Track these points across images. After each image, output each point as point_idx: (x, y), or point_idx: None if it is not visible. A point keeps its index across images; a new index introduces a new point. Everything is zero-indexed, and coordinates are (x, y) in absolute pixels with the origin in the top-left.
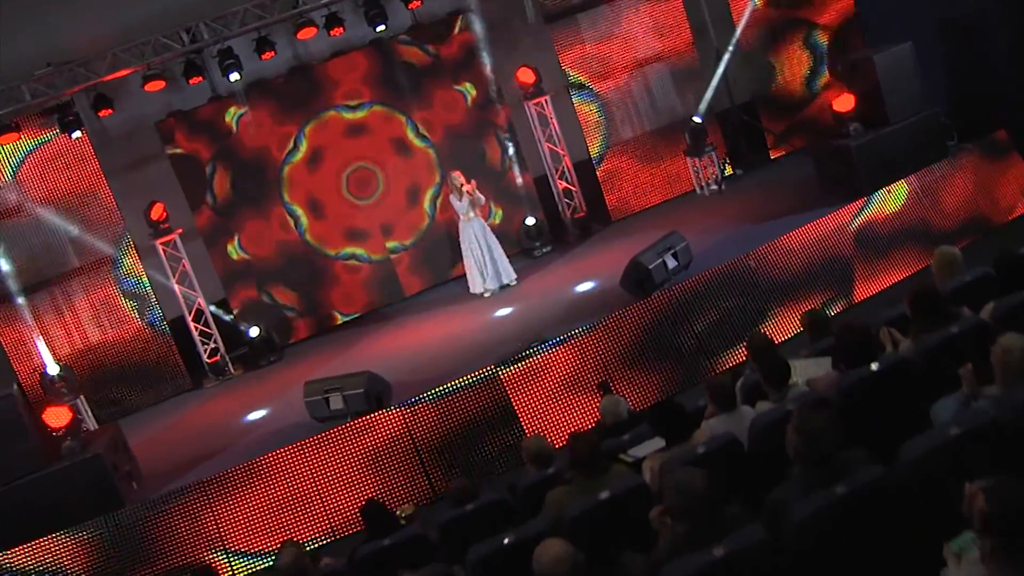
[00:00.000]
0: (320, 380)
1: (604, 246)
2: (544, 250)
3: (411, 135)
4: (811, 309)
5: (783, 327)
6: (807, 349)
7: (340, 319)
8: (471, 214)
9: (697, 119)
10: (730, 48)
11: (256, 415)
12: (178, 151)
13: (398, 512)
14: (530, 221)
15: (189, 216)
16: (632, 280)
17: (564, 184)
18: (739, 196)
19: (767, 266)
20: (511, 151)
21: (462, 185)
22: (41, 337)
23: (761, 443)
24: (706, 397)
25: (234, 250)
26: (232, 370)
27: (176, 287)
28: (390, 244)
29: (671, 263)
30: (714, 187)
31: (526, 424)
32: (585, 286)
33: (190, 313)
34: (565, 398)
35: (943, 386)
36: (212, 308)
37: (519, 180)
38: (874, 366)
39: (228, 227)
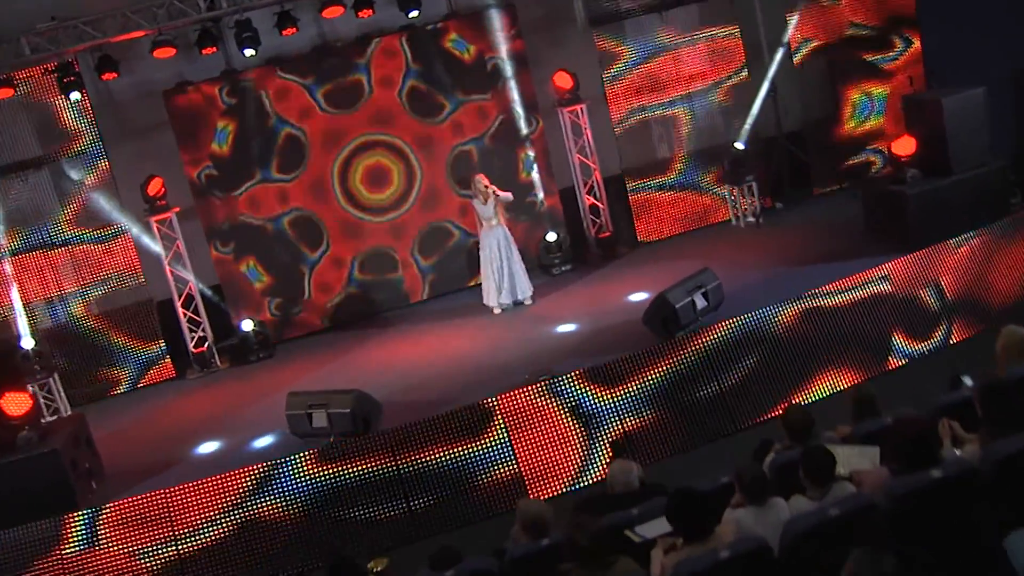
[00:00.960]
0: (305, 393)
1: (628, 271)
2: (563, 268)
3: (438, 135)
4: (859, 384)
5: (816, 388)
6: (849, 427)
7: (336, 321)
8: (494, 221)
9: (739, 145)
10: (772, 68)
11: (234, 419)
12: (183, 124)
13: (370, 566)
14: (551, 237)
15: (188, 194)
16: (656, 318)
17: (591, 200)
18: (777, 232)
19: (802, 318)
20: (534, 172)
21: (486, 187)
22: (21, 306)
23: (796, 552)
24: (735, 483)
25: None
26: (219, 362)
27: (167, 268)
28: (402, 247)
29: (700, 303)
30: (751, 219)
31: (525, 469)
32: (603, 315)
33: (180, 297)
34: (569, 443)
35: (1021, 508)
36: (206, 290)
37: (540, 199)
38: (936, 472)
39: (228, 208)
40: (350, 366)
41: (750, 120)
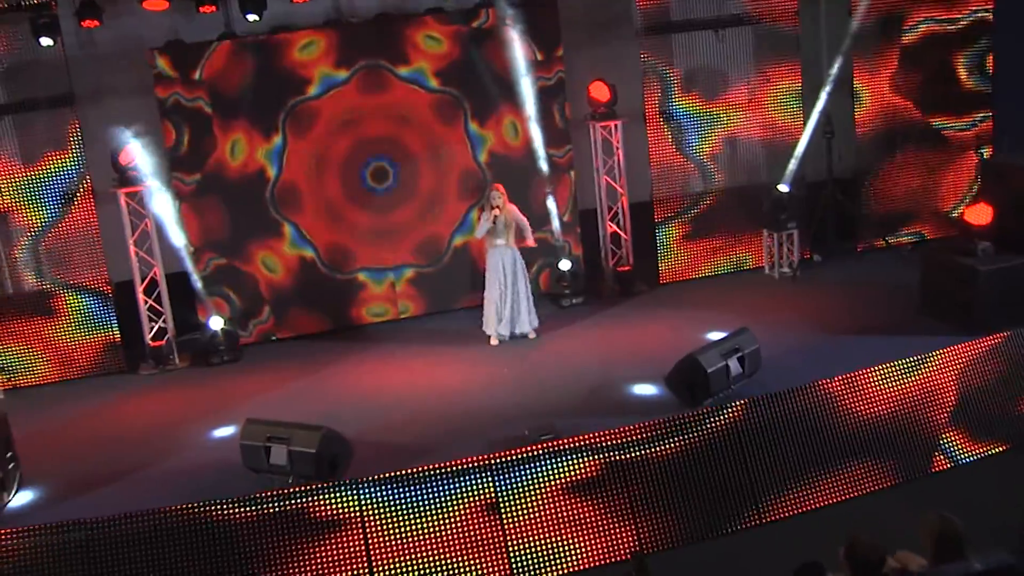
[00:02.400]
0: (265, 423)
1: (647, 314)
2: (574, 300)
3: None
4: (943, 516)
5: (851, 484)
6: (920, 559)
7: (315, 327)
8: (503, 240)
9: (783, 188)
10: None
11: (186, 435)
12: (169, 90)
13: None
14: (564, 266)
15: (167, 169)
16: (683, 381)
17: (613, 228)
18: (815, 289)
19: (843, 400)
20: (551, 204)
21: (501, 203)
22: None
23: None
24: None
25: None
26: (177, 360)
27: (132, 249)
28: (394, 256)
29: (735, 369)
30: (786, 270)
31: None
32: (616, 364)
33: (142, 283)
34: (567, 529)
35: None
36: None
37: (557, 234)
38: None
39: (209, 193)
40: (323, 385)
41: (795, 161)
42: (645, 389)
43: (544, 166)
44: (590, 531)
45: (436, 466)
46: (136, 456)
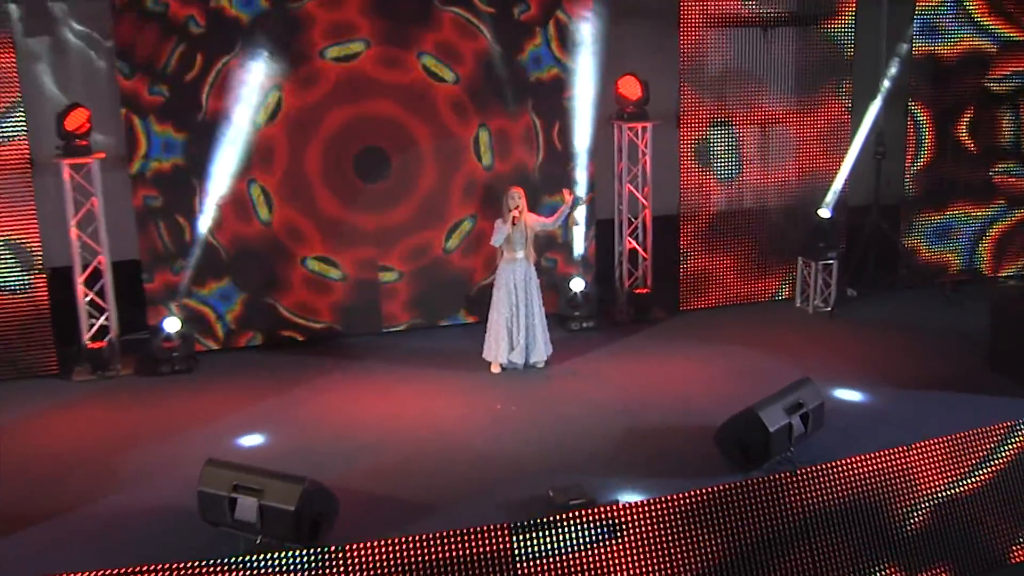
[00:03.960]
0: (232, 466)
1: (668, 345)
2: (585, 324)
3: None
4: None
5: None
6: None
7: (288, 335)
8: (520, 253)
9: (824, 213)
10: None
11: (127, 465)
12: (129, 56)
13: None
14: (577, 285)
15: (120, 139)
16: (736, 440)
17: (632, 244)
18: (858, 330)
19: (908, 472)
20: (579, 213)
21: (519, 208)
22: None
23: None
24: None
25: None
26: (119, 367)
27: (73, 231)
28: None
29: (797, 428)
30: (821, 305)
31: None
32: (644, 405)
33: (83, 272)
34: None
35: None
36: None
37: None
38: None
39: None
40: (294, 411)
41: (839, 183)
42: (680, 440)
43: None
44: None
45: (443, 534)
46: (63, 490)
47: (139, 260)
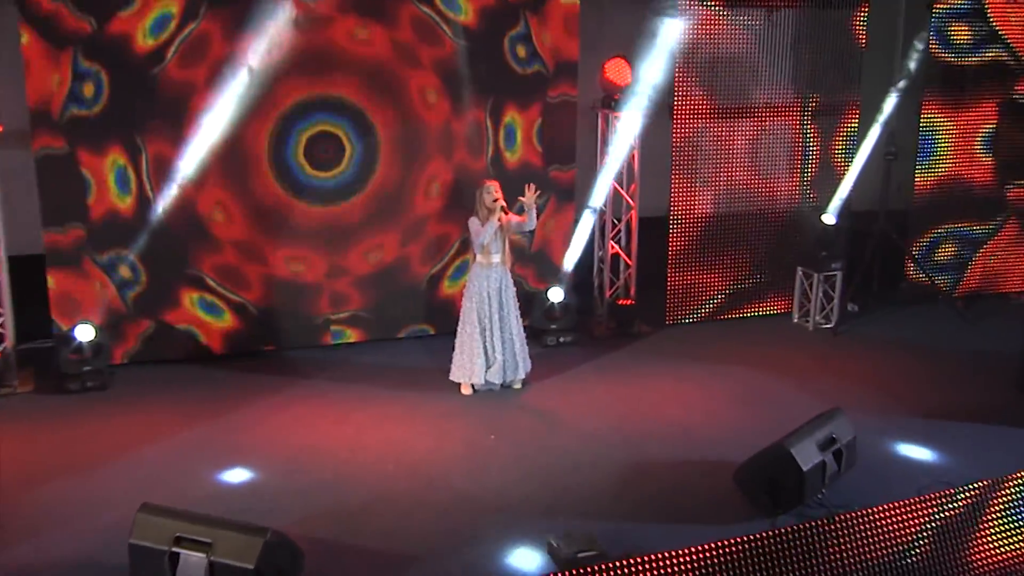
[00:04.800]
0: (172, 513)
1: (658, 364)
2: (562, 339)
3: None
4: None
5: None
6: None
7: (219, 348)
8: (496, 257)
9: (829, 219)
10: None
11: (28, 508)
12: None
13: None
14: (556, 295)
15: (24, 116)
16: (765, 481)
17: (616, 248)
18: (861, 349)
19: (952, 532)
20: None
21: (495, 201)
22: None
23: None
24: None
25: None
26: (15, 383)
27: None
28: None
29: (831, 467)
30: (821, 322)
31: None
32: (640, 433)
33: None
34: None
35: None
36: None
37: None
38: None
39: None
40: (236, 438)
41: (847, 186)
42: (690, 477)
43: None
44: None
45: None
46: None
47: (43, 255)
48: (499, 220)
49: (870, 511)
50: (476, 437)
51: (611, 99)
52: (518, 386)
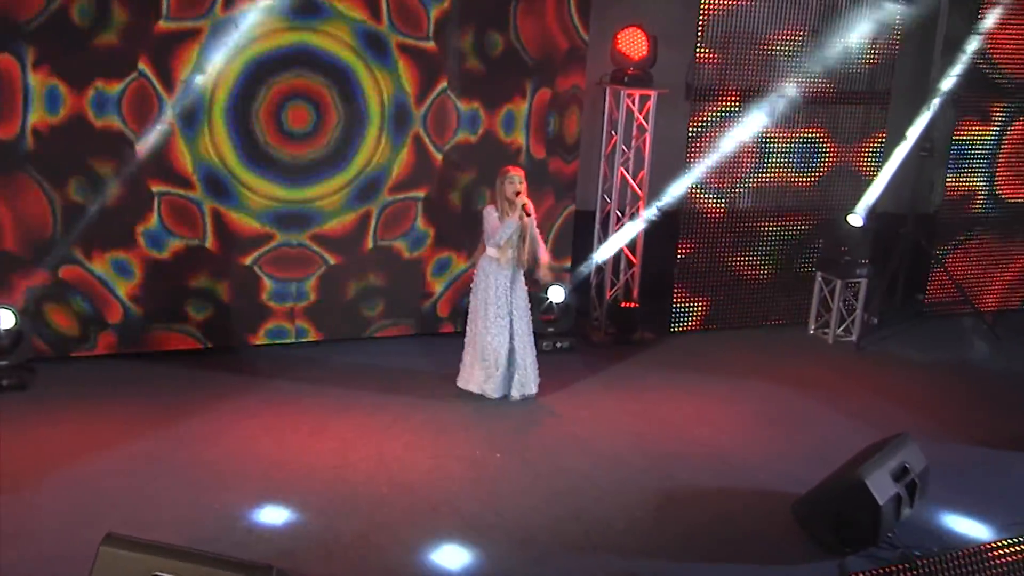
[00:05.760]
0: (146, 547)
1: (665, 376)
2: (559, 345)
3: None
4: None
5: None
6: None
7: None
8: (510, 253)
9: (856, 220)
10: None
11: None
12: None
13: None
14: (556, 295)
15: None
16: (833, 516)
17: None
18: (890, 365)
19: None
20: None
21: (518, 195)
22: None
23: None
24: None
25: None
26: None
27: None
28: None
29: (905, 500)
30: (842, 334)
31: None
32: (674, 465)
33: None
34: None
35: None
36: None
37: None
38: None
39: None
40: (193, 450)
41: (879, 187)
42: (736, 509)
43: None
44: None
45: None
46: None
47: None
48: (522, 215)
49: (953, 555)
50: (478, 454)
51: (623, 74)
52: (517, 396)
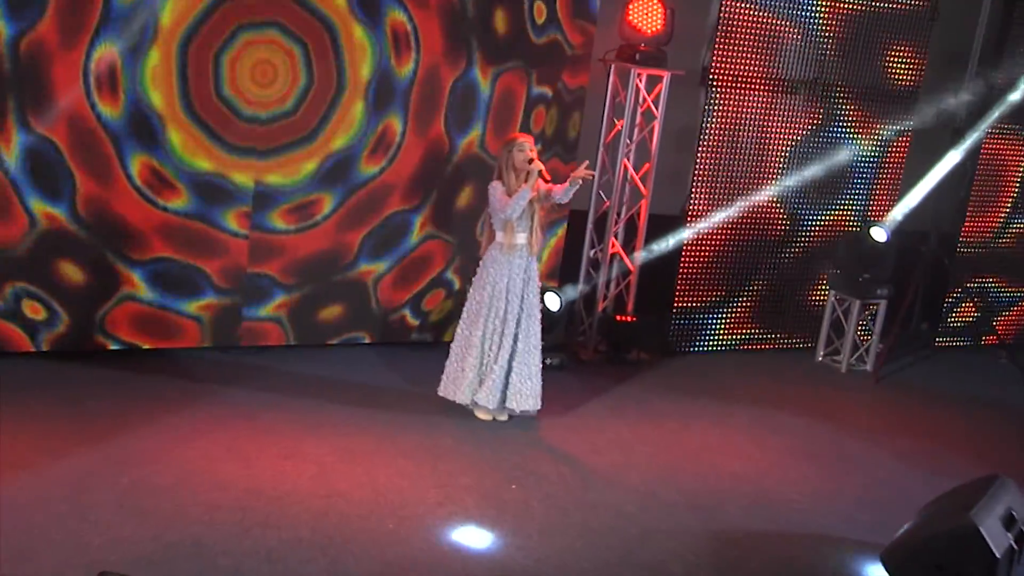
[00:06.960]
0: None
1: (676, 401)
2: (552, 361)
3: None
4: None
5: None
6: None
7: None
8: (521, 238)
9: (879, 235)
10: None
11: None
12: None
13: None
14: (552, 303)
15: None
16: (932, 569)
17: (617, 248)
18: (914, 398)
19: None
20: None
21: (531, 162)
22: None
23: None
24: None
25: None
26: None
27: None
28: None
29: (1017, 558)
30: (854, 363)
31: None
32: (710, 502)
33: None
34: None
35: None
36: None
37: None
38: None
39: None
40: (146, 471)
41: (913, 200)
42: (798, 555)
43: None
44: None
45: None
46: None
47: None
48: (534, 187)
49: None
50: (490, 486)
51: (633, 51)
52: (504, 417)
